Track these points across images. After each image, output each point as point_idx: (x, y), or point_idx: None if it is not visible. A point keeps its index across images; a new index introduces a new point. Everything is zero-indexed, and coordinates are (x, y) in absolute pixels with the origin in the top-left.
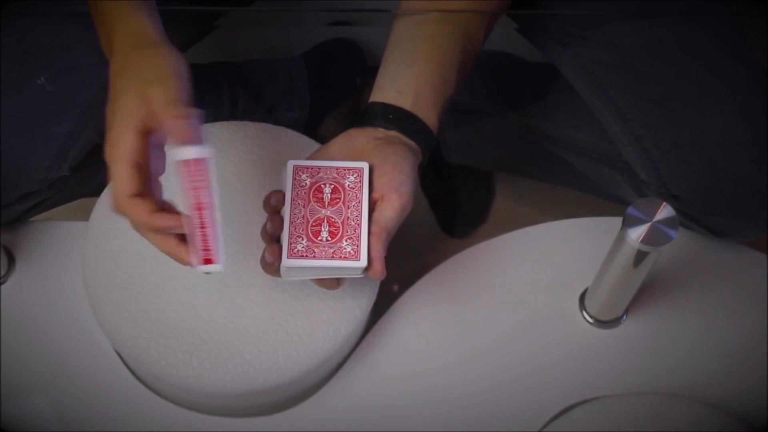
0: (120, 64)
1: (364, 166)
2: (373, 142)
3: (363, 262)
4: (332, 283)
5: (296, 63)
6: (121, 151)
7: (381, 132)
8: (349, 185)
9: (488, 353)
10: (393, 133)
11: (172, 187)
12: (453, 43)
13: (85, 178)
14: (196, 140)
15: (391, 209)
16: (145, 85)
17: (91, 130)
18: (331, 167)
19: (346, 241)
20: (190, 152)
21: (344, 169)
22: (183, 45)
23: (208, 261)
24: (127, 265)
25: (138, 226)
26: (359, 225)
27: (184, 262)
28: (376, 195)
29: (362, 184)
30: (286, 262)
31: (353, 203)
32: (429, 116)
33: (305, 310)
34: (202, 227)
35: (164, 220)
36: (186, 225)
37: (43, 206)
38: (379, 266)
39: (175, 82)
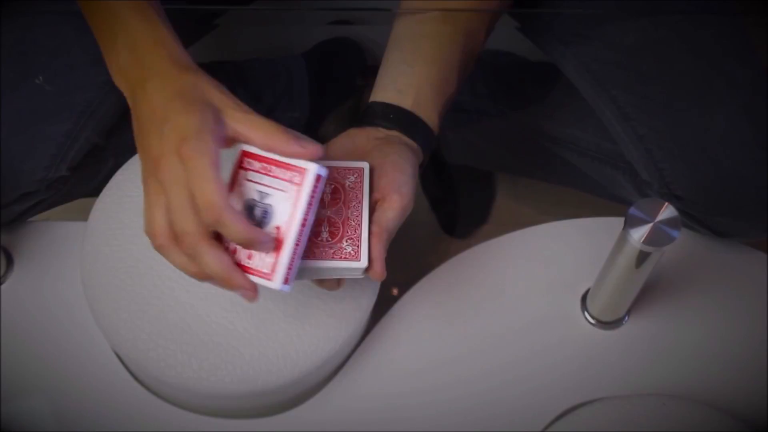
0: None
1: (365, 166)
2: (374, 142)
3: (363, 262)
4: (332, 283)
5: (296, 62)
6: (207, 162)
7: (381, 132)
8: (349, 185)
9: (489, 354)
10: (394, 132)
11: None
12: (454, 42)
13: (83, 178)
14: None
15: (392, 210)
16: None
17: (89, 130)
18: (331, 167)
19: (346, 241)
20: (321, 169)
21: (344, 169)
22: (182, 44)
23: (287, 280)
24: (126, 265)
25: (236, 237)
26: (360, 225)
27: (236, 286)
28: (376, 195)
29: (362, 185)
30: None
31: (353, 203)
32: (430, 116)
33: (305, 311)
34: (297, 244)
35: (261, 235)
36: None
37: (41, 207)
38: (379, 267)
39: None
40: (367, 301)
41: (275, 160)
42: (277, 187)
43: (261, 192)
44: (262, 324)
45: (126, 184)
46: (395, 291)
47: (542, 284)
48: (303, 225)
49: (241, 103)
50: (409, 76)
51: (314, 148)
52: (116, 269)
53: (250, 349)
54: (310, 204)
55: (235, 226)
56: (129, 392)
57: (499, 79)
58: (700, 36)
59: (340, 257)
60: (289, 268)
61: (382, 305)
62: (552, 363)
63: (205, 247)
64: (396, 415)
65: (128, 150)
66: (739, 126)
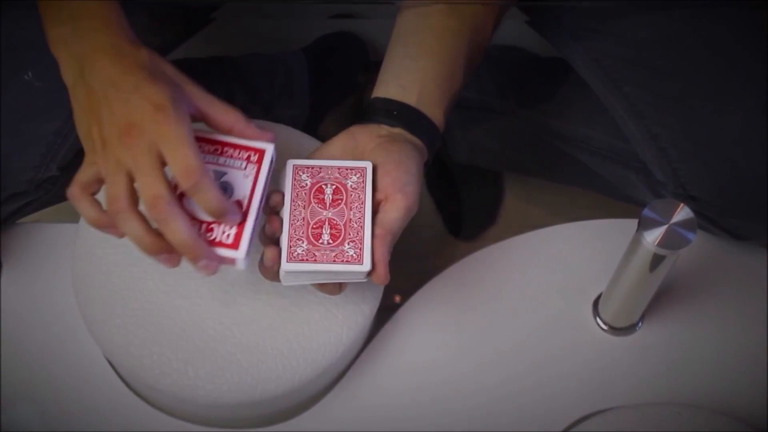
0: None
1: (367, 165)
2: (377, 140)
3: (366, 266)
4: (334, 288)
5: (296, 57)
6: (186, 130)
7: (384, 129)
8: (351, 185)
9: (497, 362)
10: (397, 130)
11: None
12: (460, 36)
13: None
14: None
15: (396, 211)
16: (170, 81)
17: None
18: (332, 167)
19: (348, 244)
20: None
21: (346, 169)
22: (177, 38)
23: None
24: (119, 269)
25: (210, 203)
26: (362, 227)
27: (200, 256)
28: (379, 196)
29: (365, 185)
30: (285, 266)
31: (356, 204)
32: (435, 113)
33: (305, 316)
34: (257, 218)
35: (231, 205)
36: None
37: (30, 208)
38: (382, 271)
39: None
40: (369, 306)
41: (230, 143)
42: (233, 166)
43: (216, 171)
44: (260, 330)
45: None
46: (398, 298)
47: (552, 289)
48: (262, 200)
49: (197, 84)
50: (413, 71)
51: (271, 132)
52: (109, 273)
53: (249, 357)
54: (267, 180)
55: (212, 192)
56: (122, 401)
57: (507, 75)
58: (716, 30)
59: (342, 260)
60: (250, 241)
61: (386, 310)
62: (563, 371)
63: (177, 212)
64: (400, 425)
65: None
66: (757, 124)
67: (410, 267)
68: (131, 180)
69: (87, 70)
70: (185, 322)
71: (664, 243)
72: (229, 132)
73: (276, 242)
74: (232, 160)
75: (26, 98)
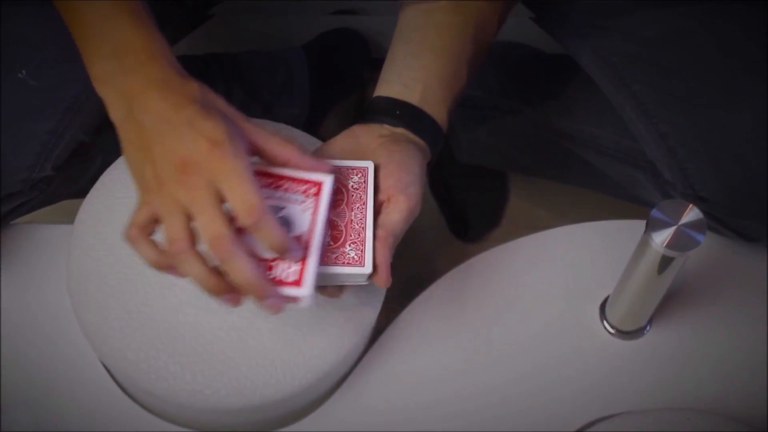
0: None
1: (369, 165)
2: (379, 140)
3: (368, 268)
4: (335, 291)
5: (296, 55)
6: (245, 165)
7: (387, 129)
8: (352, 186)
9: (502, 366)
10: (399, 130)
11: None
12: (464, 33)
13: (69, 178)
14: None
15: (398, 212)
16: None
17: (76, 127)
18: (333, 167)
19: (349, 245)
20: (332, 180)
21: (347, 169)
22: (175, 35)
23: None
24: (115, 271)
25: (273, 240)
26: (364, 228)
27: (267, 296)
28: (382, 197)
29: (367, 185)
30: None
31: (357, 205)
32: (438, 112)
33: (306, 319)
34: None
35: (293, 241)
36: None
37: (24, 208)
38: (384, 273)
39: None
40: (371, 309)
41: (287, 176)
42: (291, 200)
43: (274, 207)
44: (260, 333)
45: (115, 185)
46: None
47: (558, 292)
48: (323, 234)
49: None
50: (416, 69)
51: (329, 165)
52: (104, 275)
53: (248, 360)
54: (327, 214)
55: (274, 230)
56: (118, 406)
57: (512, 73)
58: (726, 27)
59: (343, 262)
60: (314, 277)
61: (388, 314)
62: (569, 375)
63: (240, 251)
64: (403, 429)
65: (117, 148)
66: None
67: (413, 269)
68: (189, 219)
69: (136, 107)
70: (183, 325)
71: (672, 244)
72: (285, 165)
73: None
74: (289, 194)
75: (20, 97)
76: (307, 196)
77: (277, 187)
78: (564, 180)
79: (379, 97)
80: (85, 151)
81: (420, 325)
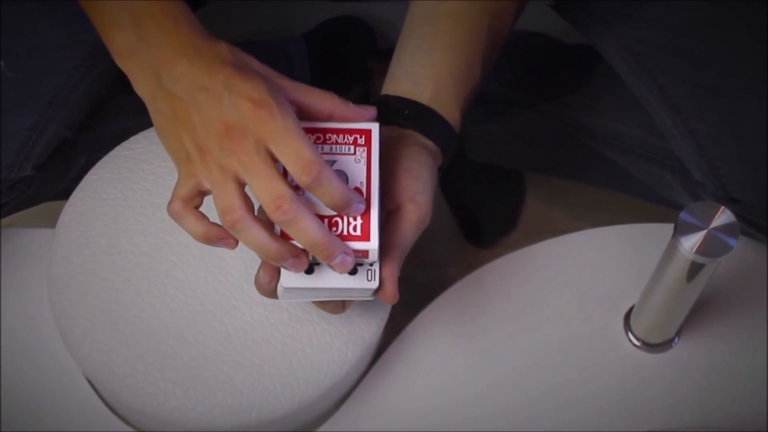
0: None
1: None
2: (386, 143)
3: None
4: (337, 306)
5: (296, 45)
6: (293, 121)
7: (395, 130)
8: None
9: (517, 382)
10: (408, 131)
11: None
12: (478, 23)
13: (51, 178)
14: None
15: (407, 222)
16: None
17: (58, 123)
18: (331, 129)
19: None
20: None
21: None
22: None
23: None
24: (100, 279)
25: (334, 196)
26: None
27: (336, 252)
28: (389, 205)
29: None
30: (285, 282)
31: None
32: (450, 112)
33: (306, 332)
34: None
35: (354, 194)
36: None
37: (2, 211)
38: (391, 289)
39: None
40: (377, 320)
41: (332, 128)
42: (341, 152)
43: (327, 161)
44: (257, 347)
45: (100, 186)
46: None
47: (579, 301)
48: (381, 182)
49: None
50: (427, 65)
51: (371, 108)
52: (89, 283)
53: (243, 376)
54: (380, 161)
55: (335, 184)
56: (103, 425)
57: (529, 65)
58: (762, 14)
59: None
60: (379, 229)
61: (394, 325)
62: (591, 391)
63: (304, 210)
64: None
65: (102, 146)
66: None
67: (422, 277)
68: (241, 186)
69: (165, 77)
70: (173, 337)
71: (703, 250)
72: (329, 118)
73: None
74: (339, 147)
75: None
76: (358, 146)
77: (325, 141)
78: (585, 180)
79: (387, 96)
80: (68, 148)
81: (429, 338)
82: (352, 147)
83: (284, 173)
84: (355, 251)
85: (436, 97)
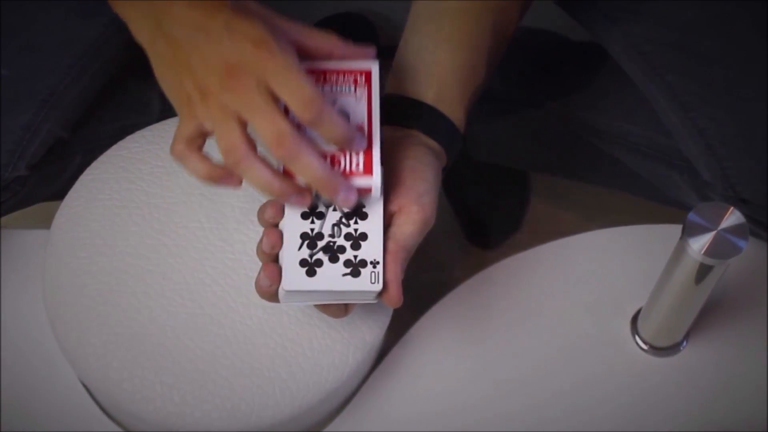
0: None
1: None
2: (389, 144)
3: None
4: (339, 310)
5: None
6: (294, 59)
7: (398, 131)
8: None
9: (523, 386)
10: (412, 131)
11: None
12: (483, 21)
13: (46, 178)
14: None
15: (411, 224)
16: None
17: (52, 122)
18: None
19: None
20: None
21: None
22: None
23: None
24: (96, 281)
25: (335, 132)
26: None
27: (339, 189)
28: (393, 207)
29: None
30: (286, 285)
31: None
32: (455, 111)
33: (306, 335)
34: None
35: (355, 131)
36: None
37: None
38: (395, 291)
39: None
40: (379, 323)
41: (332, 69)
42: (342, 92)
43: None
44: (256, 350)
45: (95, 186)
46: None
47: (585, 304)
48: (381, 120)
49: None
50: (431, 64)
51: (371, 47)
52: (84, 285)
53: (242, 380)
54: (381, 99)
55: (336, 120)
56: (99, 430)
57: (535, 63)
58: None
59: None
60: (381, 165)
61: (397, 328)
62: (598, 395)
63: (306, 146)
64: None
65: (98, 145)
66: None
67: (425, 279)
68: (244, 125)
69: (165, 22)
70: (171, 341)
71: (711, 251)
72: (329, 57)
73: (275, 258)
74: (339, 87)
75: None
76: (358, 86)
77: (325, 82)
78: (591, 180)
79: (390, 95)
80: (63, 148)
81: (432, 341)
82: (352, 87)
83: (285, 112)
84: (358, 189)
85: (439, 97)
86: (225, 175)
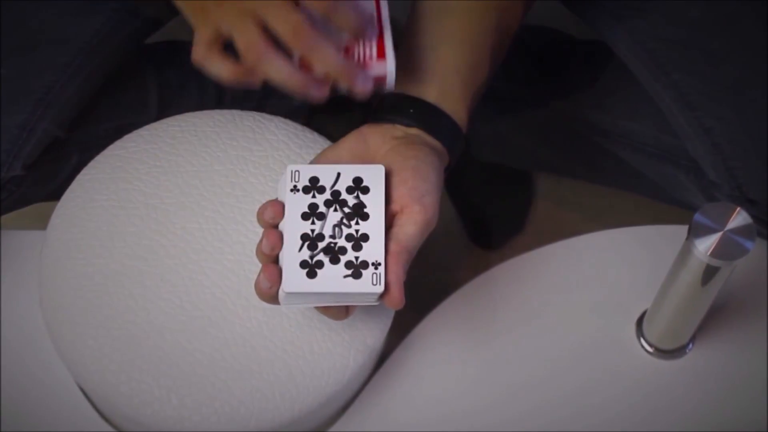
0: None
1: (380, 169)
2: (391, 143)
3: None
4: (340, 312)
5: None
6: None
7: (399, 130)
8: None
9: (527, 389)
10: (414, 131)
11: None
12: (486, 19)
13: (41, 178)
14: None
15: (413, 224)
16: None
17: (49, 121)
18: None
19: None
20: None
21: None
22: (161, 18)
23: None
24: (93, 283)
25: (353, 25)
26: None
27: (356, 77)
28: (395, 207)
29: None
30: (286, 287)
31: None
32: (457, 110)
33: (307, 338)
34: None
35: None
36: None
37: None
38: (397, 293)
39: None
40: (380, 325)
41: None
42: None
43: None
44: (255, 353)
45: (92, 186)
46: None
47: (590, 305)
48: (387, 8)
49: None
50: (432, 62)
51: None
52: (81, 287)
53: (241, 383)
54: None
55: (349, 10)
56: None
57: (539, 61)
58: None
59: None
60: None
61: (398, 330)
62: (603, 398)
63: (322, 37)
64: None
65: (94, 145)
66: None
67: (427, 280)
68: (260, 23)
69: None
70: (169, 343)
71: (718, 252)
72: None
73: (275, 260)
74: None
75: None
76: None
77: None
78: (596, 180)
79: (391, 94)
80: (59, 147)
81: (435, 343)
82: None
83: None
84: (374, 76)
85: (442, 96)
86: (247, 75)
